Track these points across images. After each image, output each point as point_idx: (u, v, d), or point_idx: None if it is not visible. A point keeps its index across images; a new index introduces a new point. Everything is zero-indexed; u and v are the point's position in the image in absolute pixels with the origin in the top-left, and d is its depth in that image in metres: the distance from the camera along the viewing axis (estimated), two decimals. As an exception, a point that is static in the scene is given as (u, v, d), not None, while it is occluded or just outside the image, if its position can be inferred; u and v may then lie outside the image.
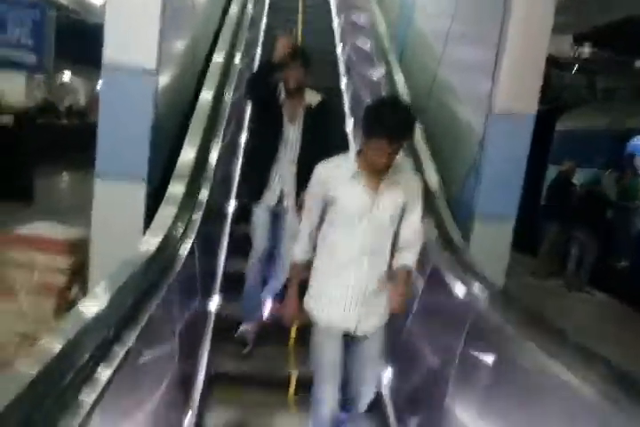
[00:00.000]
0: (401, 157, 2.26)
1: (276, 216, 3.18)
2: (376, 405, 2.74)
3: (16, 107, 8.15)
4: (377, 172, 2.16)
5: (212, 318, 3.37)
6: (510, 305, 2.20)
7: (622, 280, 7.28)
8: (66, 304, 3.55)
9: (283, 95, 3.05)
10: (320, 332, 2.29)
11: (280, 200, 3.13)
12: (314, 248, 2.32)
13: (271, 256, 3.29)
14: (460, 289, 2.49)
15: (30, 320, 3.66)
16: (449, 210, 3.34)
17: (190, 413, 2.59)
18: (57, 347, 1.15)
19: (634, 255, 7.36)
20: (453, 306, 2.51)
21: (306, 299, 2.34)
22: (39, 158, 8.47)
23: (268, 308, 3.41)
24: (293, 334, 3.26)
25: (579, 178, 8.18)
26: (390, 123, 2.05)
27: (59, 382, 1.12)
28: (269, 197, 3.11)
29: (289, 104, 3.05)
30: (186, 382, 2.61)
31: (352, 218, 2.18)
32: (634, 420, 1.30)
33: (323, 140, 3.04)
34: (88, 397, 1.15)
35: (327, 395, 2.32)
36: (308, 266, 2.34)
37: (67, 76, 17.03)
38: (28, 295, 3.66)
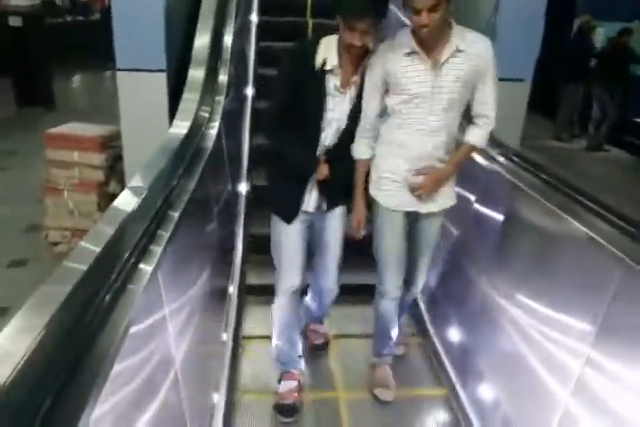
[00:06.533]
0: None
1: (312, 227, 2.29)
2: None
3: (22, 7, 7.56)
4: (432, 45, 1.89)
5: (243, 198, 3.41)
6: (524, 166, 2.27)
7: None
8: (106, 198, 3.81)
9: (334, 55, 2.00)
10: (384, 215, 2.16)
11: (320, 205, 2.23)
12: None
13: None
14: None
15: (77, 215, 3.96)
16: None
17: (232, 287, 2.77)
18: (102, 242, 1.16)
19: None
20: (469, 169, 2.59)
21: (370, 186, 2.18)
22: (53, 60, 8.29)
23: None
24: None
25: (607, 32, 7.73)
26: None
27: (109, 273, 1.15)
28: (305, 204, 2.21)
29: (341, 67, 2.02)
30: (226, 258, 2.77)
31: (412, 100, 1.96)
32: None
33: None
34: (135, 285, 1.18)
35: (391, 285, 2.24)
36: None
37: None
38: (71, 192, 3.93)
